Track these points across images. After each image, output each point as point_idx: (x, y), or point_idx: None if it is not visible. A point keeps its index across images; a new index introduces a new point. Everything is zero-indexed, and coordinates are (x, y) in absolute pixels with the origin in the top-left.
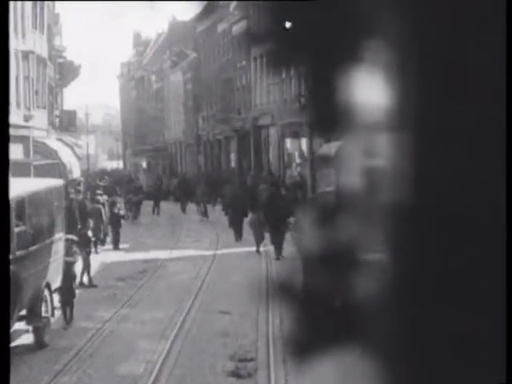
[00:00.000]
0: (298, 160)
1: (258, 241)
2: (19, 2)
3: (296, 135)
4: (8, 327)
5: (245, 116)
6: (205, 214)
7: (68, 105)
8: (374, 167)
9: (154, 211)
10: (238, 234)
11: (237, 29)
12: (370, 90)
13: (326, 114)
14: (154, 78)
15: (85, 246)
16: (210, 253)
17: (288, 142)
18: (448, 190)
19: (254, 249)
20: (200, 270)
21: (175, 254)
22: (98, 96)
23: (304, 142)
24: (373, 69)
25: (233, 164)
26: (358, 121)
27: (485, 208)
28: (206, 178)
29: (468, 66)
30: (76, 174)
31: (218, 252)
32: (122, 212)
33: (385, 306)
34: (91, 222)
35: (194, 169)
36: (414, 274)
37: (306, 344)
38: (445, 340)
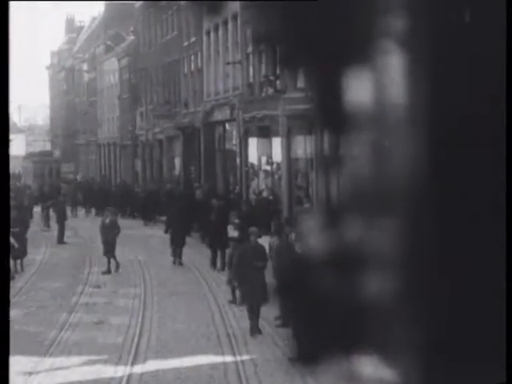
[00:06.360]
0: (265, 167)
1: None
2: None
3: (265, 133)
4: (7, 326)
5: (194, 110)
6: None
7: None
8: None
9: (59, 239)
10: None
11: None
12: (376, 89)
13: (336, 110)
14: (85, 67)
15: None
16: (120, 373)
17: (253, 143)
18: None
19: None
20: None
21: (41, 377)
22: (43, 94)
23: (278, 143)
24: (381, 67)
25: (177, 171)
26: (366, 117)
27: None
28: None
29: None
30: None
31: (137, 371)
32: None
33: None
34: None
35: (130, 176)
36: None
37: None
38: (445, 340)
